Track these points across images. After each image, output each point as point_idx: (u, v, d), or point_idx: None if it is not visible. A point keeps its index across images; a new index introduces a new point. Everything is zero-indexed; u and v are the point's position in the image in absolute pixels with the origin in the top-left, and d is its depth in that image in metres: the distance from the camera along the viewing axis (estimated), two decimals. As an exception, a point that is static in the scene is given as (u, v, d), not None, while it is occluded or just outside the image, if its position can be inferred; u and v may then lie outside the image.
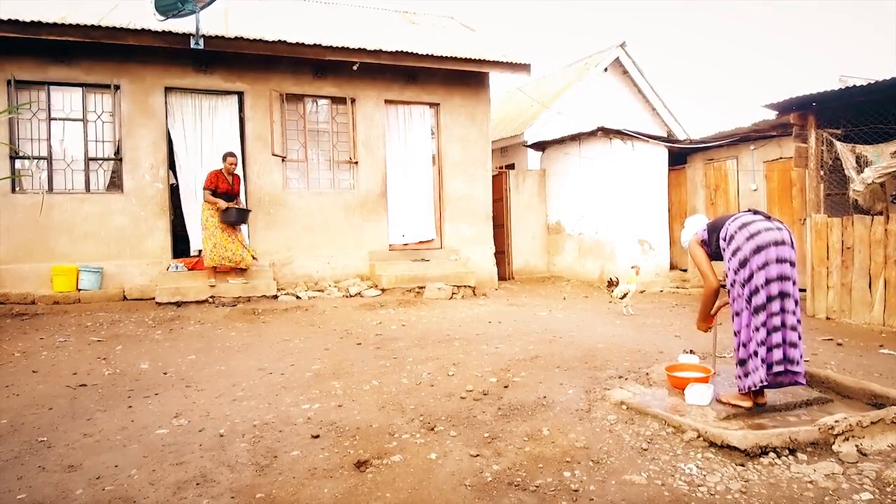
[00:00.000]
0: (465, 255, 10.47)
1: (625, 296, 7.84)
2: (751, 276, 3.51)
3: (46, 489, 2.85)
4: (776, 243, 3.50)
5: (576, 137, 11.60)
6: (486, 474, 2.95)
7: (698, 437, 3.23)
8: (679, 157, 11.76)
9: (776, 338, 3.47)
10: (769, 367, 3.46)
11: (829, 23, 51.14)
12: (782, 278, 3.49)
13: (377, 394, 4.27)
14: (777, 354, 3.47)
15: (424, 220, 10.53)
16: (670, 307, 8.59)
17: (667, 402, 3.82)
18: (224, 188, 8.17)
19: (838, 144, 7.55)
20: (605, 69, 14.96)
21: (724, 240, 3.70)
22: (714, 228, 3.86)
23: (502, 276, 11.69)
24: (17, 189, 8.24)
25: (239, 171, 8.94)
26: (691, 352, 4.90)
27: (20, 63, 8.15)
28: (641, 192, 11.07)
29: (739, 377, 3.63)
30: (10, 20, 7.55)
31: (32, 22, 7.64)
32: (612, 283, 8.41)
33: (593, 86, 14.80)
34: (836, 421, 3.25)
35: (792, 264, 3.54)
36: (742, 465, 2.97)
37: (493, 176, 11.82)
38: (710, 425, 3.31)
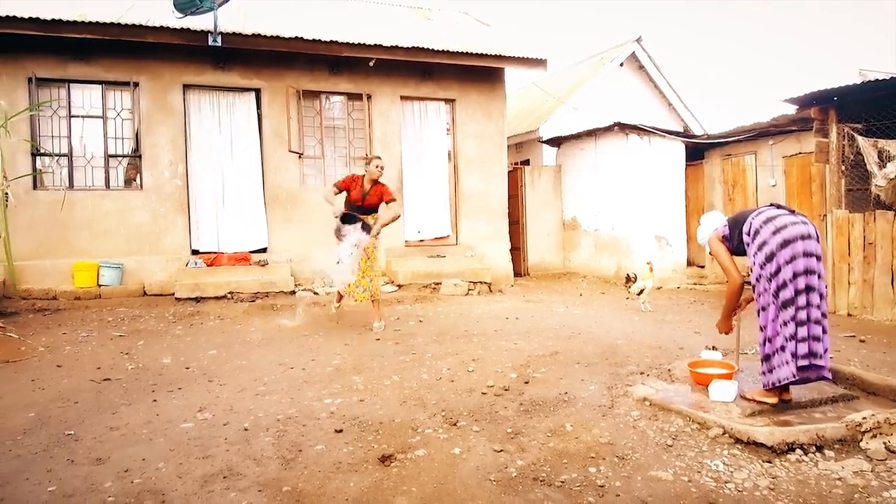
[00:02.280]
0: (481, 252, 10.46)
1: (642, 291, 7.80)
2: (778, 271, 3.48)
3: (76, 482, 2.88)
4: (803, 237, 3.47)
5: (592, 133, 11.53)
6: (511, 469, 2.95)
7: (724, 433, 3.21)
8: (696, 152, 11.66)
9: (803, 332, 3.44)
10: (797, 361, 3.43)
11: (847, 16, 50.49)
12: (809, 272, 3.46)
13: (398, 389, 4.28)
14: (803, 348, 3.44)
15: (440, 217, 10.54)
16: (688, 303, 8.54)
17: (690, 399, 3.79)
18: (353, 197, 6.37)
19: (860, 139, 7.45)
20: (621, 64, 14.86)
21: (749, 234, 3.67)
22: (736, 223, 3.82)
23: (518, 273, 11.66)
24: (39, 186, 8.34)
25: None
26: (714, 348, 4.87)
27: (41, 61, 8.23)
28: (658, 188, 10.99)
29: (765, 373, 3.60)
30: (30, 18, 7.62)
31: (53, 20, 7.72)
32: (629, 279, 8.38)
33: (609, 81, 14.71)
34: (864, 418, 3.22)
35: (818, 258, 3.51)
36: (769, 462, 2.95)
37: (509, 172, 11.78)
38: (735, 422, 3.29)
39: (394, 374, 4.64)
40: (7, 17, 7.52)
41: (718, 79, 47.07)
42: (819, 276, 3.50)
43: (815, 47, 51.22)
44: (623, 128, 10.83)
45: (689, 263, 11.58)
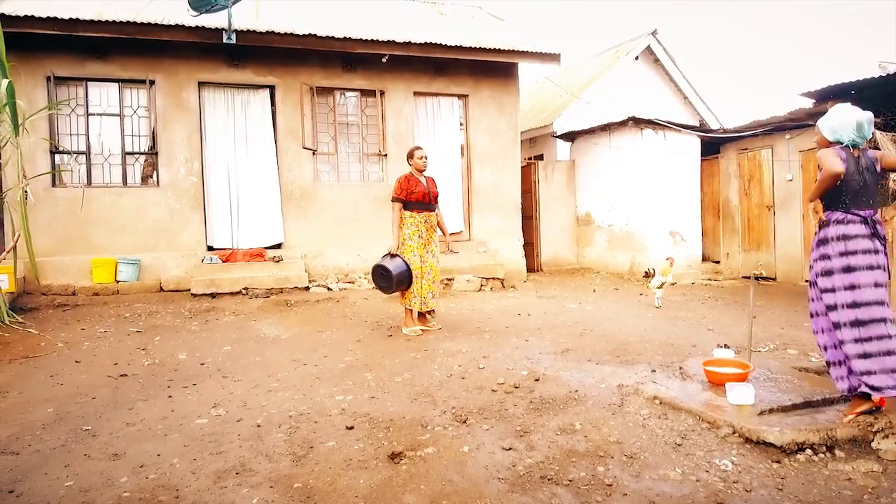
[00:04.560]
0: (494, 247, 10.46)
1: (661, 286, 7.77)
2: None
3: (92, 476, 2.95)
4: None
5: (606, 127, 11.48)
6: (520, 468, 2.97)
7: (733, 432, 3.20)
8: (712, 146, 11.57)
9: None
10: None
11: (867, 8, 49.64)
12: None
13: (409, 386, 4.32)
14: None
15: (453, 212, 10.54)
16: (702, 300, 8.49)
17: (701, 398, 3.78)
18: (420, 194, 6.01)
19: (878, 133, 7.35)
20: (636, 58, 14.75)
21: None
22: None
23: (531, 268, 11.66)
24: (58, 184, 8.46)
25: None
26: (726, 346, 4.84)
27: (58, 59, 8.34)
28: (673, 183, 10.92)
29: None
30: (49, 18, 7.72)
31: (70, 19, 7.81)
32: (648, 275, 8.35)
33: (624, 75, 14.61)
34: (875, 418, 3.21)
35: None
36: (778, 462, 2.95)
37: (522, 167, 11.77)
38: (745, 421, 3.28)
39: (405, 372, 4.67)
40: (26, 16, 7.63)
41: (735, 73, 46.54)
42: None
43: (835, 40, 50.45)
44: (637, 122, 10.77)
45: (704, 259, 11.52)
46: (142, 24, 8.13)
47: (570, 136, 12.66)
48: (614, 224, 11.47)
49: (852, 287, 3.34)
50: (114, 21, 8.03)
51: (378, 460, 3.08)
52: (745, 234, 10.98)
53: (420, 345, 5.56)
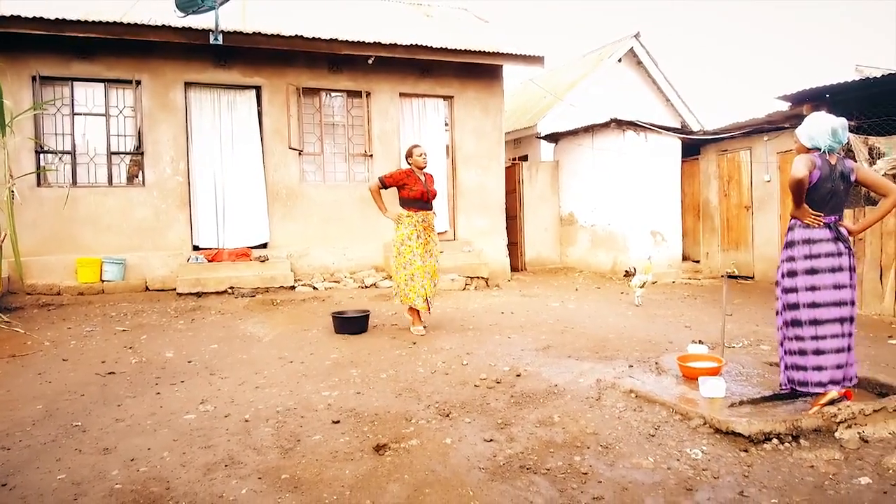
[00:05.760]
0: (478, 247, 10.59)
1: (643, 285, 7.94)
2: None
3: (84, 470, 3.02)
4: None
5: (589, 129, 11.65)
6: (500, 458, 3.09)
7: (704, 423, 3.35)
8: (692, 148, 11.77)
9: None
10: None
11: (846, 13, 50.43)
12: None
13: (394, 382, 4.42)
14: None
15: (438, 212, 10.60)
16: (682, 298, 8.67)
17: (676, 391, 3.93)
18: (419, 192, 6.00)
19: (851, 136, 7.56)
20: (619, 60, 14.94)
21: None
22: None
23: (515, 268, 11.80)
24: (43, 183, 8.47)
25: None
26: (700, 342, 5.00)
27: (44, 59, 8.35)
28: (654, 184, 11.11)
29: None
30: (35, 18, 7.73)
31: (56, 19, 7.82)
32: (628, 274, 8.53)
33: (607, 77, 14.80)
34: (839, 409, 3.36)
35: None
36: (745, 451, 3.09)
37: (507, 168, 11.91)
38: (716, 412, 3.42)
39: (390, 368, 4.78)
40: (11, 16, 7.64)
41: (717, 75, 47.06)
42: None
43: (814, 44, 51.20)
44: (619, 124, 10.95)
45: (685, 258, 11.73)
46: (128, 24, 8.17)
47: (554, 138, 12.82)
48: (597, 224, 11.64)
49: (813, 288, 3.51)
50: (100, 21, 8.05)
51: (363, 452, 3.19)
52: (725, 234, 11.19)
53: (405, 342, 5.66)
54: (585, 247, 11.95)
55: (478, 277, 9.61)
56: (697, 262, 11.70)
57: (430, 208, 6.17)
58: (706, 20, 56.97)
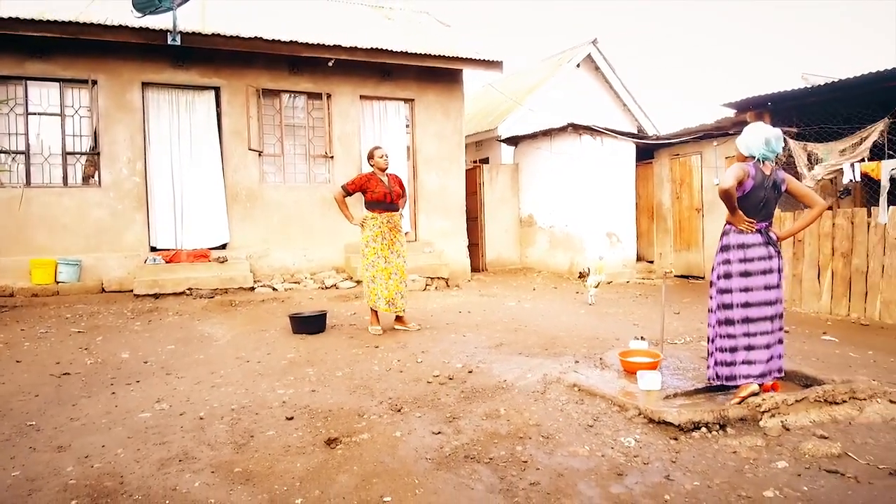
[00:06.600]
0: (440, 248, 10.74)
1: (597, 285, 8.19)
2: None
3: (38, 467, 3.08)
4: None
5: (547, 133, 11.91)
6: (446, 449, 3.24)
7: (639, 414, 3.56)
8: (646, 152, 12.12)
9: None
10: None
11: (796, 21, 52.17)
12: None
13: (348, 379, 4.54)
14: None
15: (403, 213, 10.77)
16: (634, 297, 8.97)
17: (616, 385, 4.14)
18: (381, 193, 6.11)
19: (791, 142, 7.93)
20: (578, 65, 15.28)
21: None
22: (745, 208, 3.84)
23: (476, 268, 11.99)
24: (-5, 183, 8.34)
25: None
26: (641, 338, 5.23)
27: (-4, 58, 8.23)
28: (610, 187, 11.42)
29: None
30: (-14, 16, 7.63)
31: (10, 18, 7.72)
32: (582, 275, 8.79)
33: (566, 81, 15.12)
34: (763, 399, 3.60)
35: None
36: (675, 439, 3.31)
37: (468, 170, 12.10)
38: (650, 404, 3.64)
39: (346, 367, 4.90)
40: (-39, 14, 7.52)
41: (673, 82, 48.13)
42: None
43: (766, 52, 52.78)
44: (576, 128, 11.22)
45: (639, 259, 12.07)
46: (84, 24, 8.10)
47: (514, 141, 13.06)
48: (555, 225, 11.90)
49: (746, 289, 3.77)
50: (55, 21, 7.97)
51: (315, 446, 3.31)
52: (677, 235, 11.57)
53: (362, 342, 5.78)
54: (544, 248, 12.21)
55: (438, 278, 9.77)
56: (651, 262, 12.06)
57: (395, 209, 6.29)
58: (663, 28, 58.25)
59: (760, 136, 3.80)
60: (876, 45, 42.83)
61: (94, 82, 8.73)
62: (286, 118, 9.99)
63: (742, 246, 3.82)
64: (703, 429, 3.40)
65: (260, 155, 9.70)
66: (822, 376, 4.19)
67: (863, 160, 7.28)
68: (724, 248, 3.90)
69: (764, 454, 3.17)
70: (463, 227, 11.24)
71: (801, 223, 4.05)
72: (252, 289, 8.76)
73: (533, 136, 12.34)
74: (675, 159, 11.60)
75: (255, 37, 8.95)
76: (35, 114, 8.54)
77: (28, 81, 8.47)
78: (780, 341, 3.87)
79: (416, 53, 10.06)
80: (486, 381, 4.40)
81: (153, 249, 9.13)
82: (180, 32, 8.46)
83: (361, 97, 10.42)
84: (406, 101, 10.84)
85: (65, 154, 8.69)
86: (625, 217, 11.64)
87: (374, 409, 3.88)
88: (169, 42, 8.41)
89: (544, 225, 12.20)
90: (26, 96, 8.47)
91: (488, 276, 11.62)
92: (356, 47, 9.60)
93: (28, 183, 8.45)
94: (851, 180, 7.42)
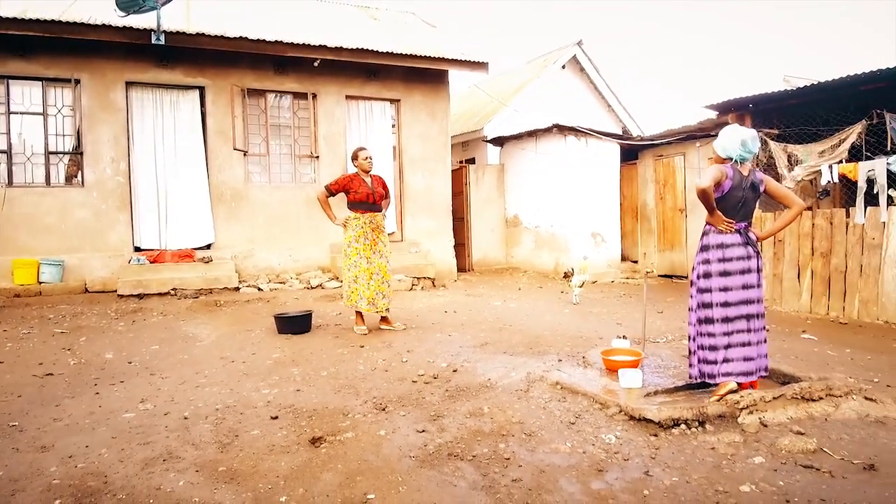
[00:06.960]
0: (426, 248, 10.77)
1: (582, 284, 8.27)
2: None
3: (21, 467, 3.07)
4: None
5: (532, 133, 11.98)
6: (430, 447, 3.28)
7: (620, 411, 3.61)
8: (631, 153, 12.23)
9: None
10: None
11: (782, 20, 52.77)
12: None
13: (334, 379, 4.56)
14: None
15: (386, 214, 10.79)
16: (618, 297, 9.05)
17: (599, 383, 4.19)
18: (364, 194, 6.16)
19: (772, 143, 8.05)
20: (563, 66, 15.38)
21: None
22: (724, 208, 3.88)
23: (462, 268, 12.04)
24: (-24, 183, 8.26)
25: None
26: (624, 337, 5.30)
27: (-23, 56, 8.15)
28: (595, 187, 11.52)
29: None
30: (-33, 14, 7.56)
31: (-9, 16, 7.67)
32: (567, 275, 8.86)
33: (551, 82, 15.22)
34: (742, 396, 3.67)
35: None
36: (655, 436, 3.36)
37: (454, 170, 12.14)
38: (631, 401, 3.70)
39: (331, 366, 4.91)
40: (-58, 12, 7.45)
41: (658, 83, 48.52)
42: None
43: (753, 51, 53.32)
44: (561, 129, 11.30)
45: (624, 258, 12.18)
46: (67, 23, 8.05)
47: (500, 141, 13.12)
48: (540, 226, 11.98)
49: (725, 289, 3.84)
50: (38, 19, 7.91)
51: (300, 445, 3.33)
52: (661, 235, 11.68)
53: (347, 342, 5.80)
54: (530, 248, 12.28)
55: (424, 278, 9.80)
56: (636, 262, 12.16)
57: (378, 210, 6.33)
58: (649, 27, 58.67)
59: (736, 138, 3.86)
60: (863, 46, 43.44)
61: (78, 81, 8.67)
62: (271, 118, 9.98)
63: (721, 246, 3.89)
64: (683, 426, 3.46)
65: (245, 155, 9.68)
66: (799, 374, 4.27)
67: (841, 161, 7.40)
68: (704, 248, 3.97)
69: (742, 450, 3.23)
70: (449, 227, 11.28)
71: (780, 223, 4.13)
72: (237, 289, 8.74)
73: (518, 137, 12.40)
74: (658, 160, 11.72)
75: (241, 36, 8.94)
76: (17, 113, 8.47)
77: (10, 80, 8.40)
78: (765, 340, 3.94)
79: (401, 54, 10.08)
80: (470, 380, 4.44)
81: (137, 249, 9.08)
82: (164, 32, 8.43)
83: (347, 97, 10.43)
84: (392, 101, 10.86)
85: (47, 154, 8.62)
86: (609, 217, 11.74)
87: (358, 408, 3.90)
88: (153, 41, 8.38)
89: (530, 225, 12.27)
90: (8, 95, 8.40)
91: (474, 276, 11.67)
92: (342, 47, 9.61)
93: (10, 183, 8.37)
94: (829, 181, 7.53)
